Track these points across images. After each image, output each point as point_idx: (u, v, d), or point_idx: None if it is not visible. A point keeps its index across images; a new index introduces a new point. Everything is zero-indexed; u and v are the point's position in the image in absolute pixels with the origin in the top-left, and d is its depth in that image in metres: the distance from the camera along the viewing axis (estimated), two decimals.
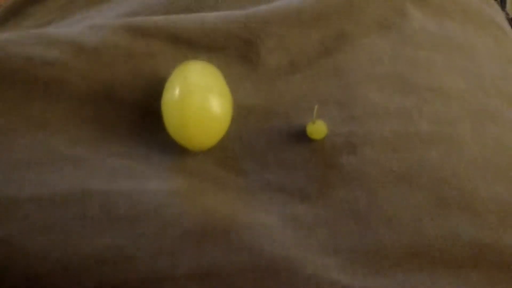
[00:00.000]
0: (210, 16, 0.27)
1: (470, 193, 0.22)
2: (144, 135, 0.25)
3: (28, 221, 0.21)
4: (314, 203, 0.23)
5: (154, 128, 0.25)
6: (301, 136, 0.25)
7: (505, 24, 0.32)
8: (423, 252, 0.21)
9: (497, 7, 0.34)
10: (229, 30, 0.26)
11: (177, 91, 0.23)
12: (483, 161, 0.23)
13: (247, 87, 0.26)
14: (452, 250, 0.21)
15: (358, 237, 0.21)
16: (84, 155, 0.23)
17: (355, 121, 0.24)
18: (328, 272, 0.20)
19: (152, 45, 0.26)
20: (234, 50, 0.26)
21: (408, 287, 0.20)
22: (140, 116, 0.25)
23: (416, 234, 0.21)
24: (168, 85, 0.24)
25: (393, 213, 0.22)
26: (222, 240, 0.21)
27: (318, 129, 0.24)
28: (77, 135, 0.24)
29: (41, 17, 0.33)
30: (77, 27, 0.27)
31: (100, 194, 0.22)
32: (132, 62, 0.25)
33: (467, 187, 0.22)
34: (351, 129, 0.24)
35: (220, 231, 0.21)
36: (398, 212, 0.22)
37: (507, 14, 0.47)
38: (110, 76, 0.25)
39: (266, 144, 0.25)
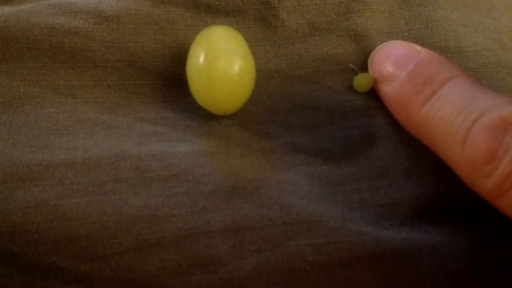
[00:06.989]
0: None
1: None
2: (170, 101, 0.25)
3: (64, 184, 0.21)
4: (338, 163, 0.23)
5: (179, 93, 0.25)
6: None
7: None
8: (445, 204, 0.22)
9: None
10: None
11: (202, 57, 0.23)
12: None
13: (267, 50, 0.26)
14: (470, 202, 0.22)
15: (382, 192, 0.22)
16: (113, 122, 0.24)
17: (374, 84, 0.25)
18: (356, 225, 0.21)
19: (172, 11, 0.26)
20: (252, 13, 0.26)
21: (432, 237, 0.21)
22: (165, 82, 0.25)
23: (436, 187, 0.22)
24: (192, 51, 0.24)
25: (414, 168, 0.23)
26: (252, 196, 0.21)
27: (366, 80, 0.24)
28: (105, 103, 0.24)
29: None
30: None
31: (132, 157, 0.22)
32: (153, 28, 0.26)
33: None
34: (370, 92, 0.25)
35: (250, 188, 0.22)
36: (419, 167, 0.23)
37: None
38: (133, 43, 0.25)
39: (288, 108, 0.25)
